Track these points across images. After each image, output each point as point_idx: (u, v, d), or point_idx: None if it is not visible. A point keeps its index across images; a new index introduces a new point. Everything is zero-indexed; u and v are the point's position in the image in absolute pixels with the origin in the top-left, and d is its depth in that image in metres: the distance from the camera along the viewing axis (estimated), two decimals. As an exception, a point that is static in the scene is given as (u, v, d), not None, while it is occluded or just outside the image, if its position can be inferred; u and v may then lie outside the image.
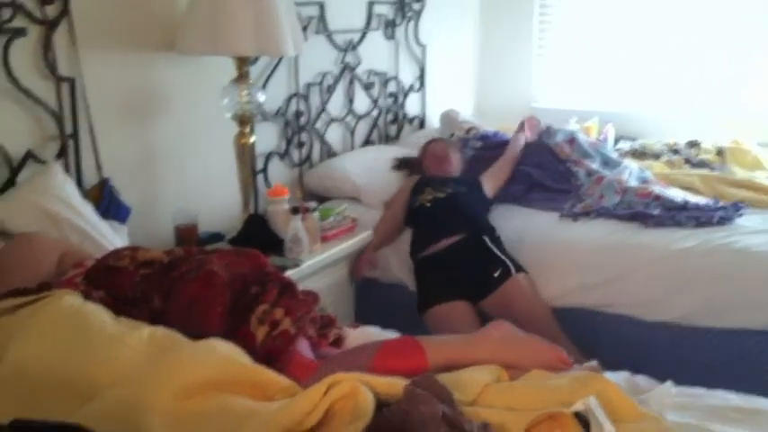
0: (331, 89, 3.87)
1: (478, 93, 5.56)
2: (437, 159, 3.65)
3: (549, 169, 3.73)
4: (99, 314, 1.73)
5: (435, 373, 1.67)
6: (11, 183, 2.39)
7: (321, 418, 1.42)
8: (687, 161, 4.21)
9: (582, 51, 5.25)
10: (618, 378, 1.88)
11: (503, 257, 3.20)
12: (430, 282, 3.22)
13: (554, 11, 5.34)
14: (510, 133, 4.08)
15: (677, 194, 3.49)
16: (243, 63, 2.93)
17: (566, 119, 4.48)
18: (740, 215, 3.32)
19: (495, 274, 3.14)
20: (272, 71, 3.41)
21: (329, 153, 3.92)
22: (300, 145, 3.68)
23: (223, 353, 1.60)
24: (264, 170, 3.45)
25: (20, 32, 2.36)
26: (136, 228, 2.71)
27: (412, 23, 4.56)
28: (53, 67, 2.49)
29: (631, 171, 3.72)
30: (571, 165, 3.72)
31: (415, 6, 4.55)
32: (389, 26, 4.33)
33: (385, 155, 4.01)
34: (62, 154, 2.55)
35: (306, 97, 3.69)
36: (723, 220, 3.25)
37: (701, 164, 4.15)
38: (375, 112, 4.30)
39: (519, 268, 3.19)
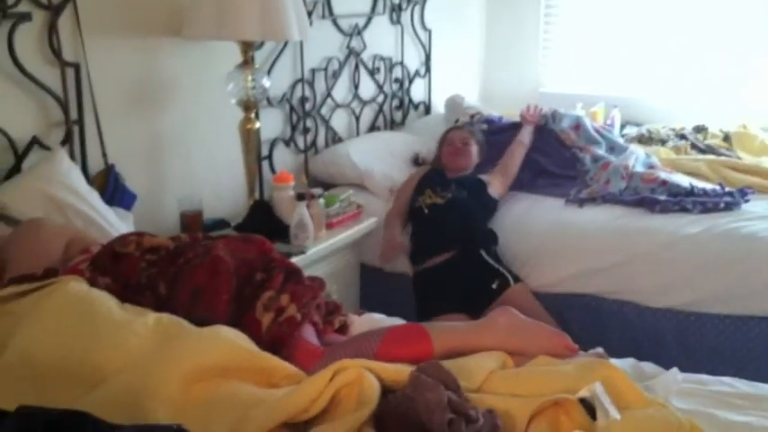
0: (336, 74, 3.86)
1: (484, 78, 5.54)
2: (453, 150, 3.55)
3: (554, 156, 3.72)
4: (105, 301, 1.73)
5: (441, 359, 1.67)
6: (16, 169, 2.39)
7: (326, 405, 1.42)
8: (694, 146, 4.20)
9: (588, 36, 5.23)
10: (624, 365, 1.87)
11: (500, 269, 3.19)
12: (428, 295, 3.21)
13: (560, -5, 5.32)
14: (515, 118, 4.07)
15: (683, 180, 3.48)
16: (248, 48, 2.93)
17: (572, 104, 4.46)
18: (747, 201, 3.30)
19: (494, 285, 3.12)
20: (278, 56, 3.41)
21: (334, 139, 3.91)
22: (306, 131, 3.67)
23: (228, 339, 1.60)
24: (269, 156, 3.45)
25: (25, 17, 2.36)
26: (141, 214, 2.71)
27: (417, 8, 4.54)
28: (58, 52, 2.48)
29: (637, 156, 3.71)
30: (577, 151, 3.71)
31: (421, -9, 4.53)
32: (395, 10, 4.32)
33: (390, 141, 4.00)
34: (67, 140, 2.55)
35: (311, 83, 3.68)
36: (729, 206, 3.24)
37: (708, 149, 4.14)
38: (380, 98, 4.29)
39: (516, 278, 3.19)
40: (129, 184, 2.68)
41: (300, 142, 3.66)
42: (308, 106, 3.66)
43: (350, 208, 3.28)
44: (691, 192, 3.35)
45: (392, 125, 4.43)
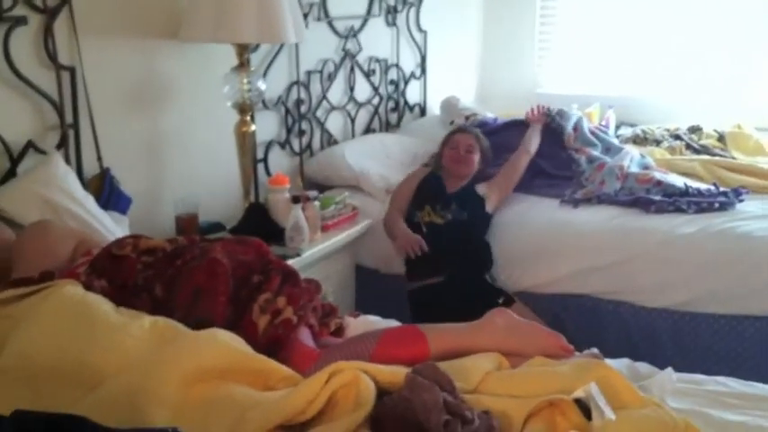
0: (332, 77, 3.86)
1: (480, 80, 5.55)
2: (456, 157, 3.44)
3: (550, 157, 3.73)
4: (101, 304, 1.73)
5: (437, 360, 1.67)
6: (11, 173, 2.38)
7: (323, 407, 1.43)
8: (688, 147, 4.21)
9: (584, 37, 5.25)
10: (619, 365, 1.88)
11: (501, 288, 3.19)
12: (425, 313, 3.13)
13: (556, -4, 5.33)
14: (510, 118, 4.08)
15: (678, 180, 3.49)
16: (243, 50, 2.93)
17: (568, 105, 4.46)
18: (741, 200, 3.32)
19: (500, 301, 3.08)
20: (273, 59, 3.41)
21: (330, 141, 3.91)
22: (301, 133, 3.67)
23: (225, 342, 1.60)
24: (265, 159, 3.45)
25: (20, 21, 2.35)
26: (137, 218, 2.71)
27: (413, 10, 4.54)
28: (53, 56, 2.48)
29: (632, 157, 3.72)
30: (573, 152, 3.73)
31: (416, -7, 4.54)
32: (390, 12, 4.32)
33: (386, 142, 4.01)
34: (62, 144, 2.55)
35: (306, 85, 3.68)
36: (724, 206, 3.25)
37: (703, 149, 4.15)
38: (376, 100, 4.30)
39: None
40: (124, 187, 2.68)
41: (296, 145, 3.66)
42: (303, 109, 3.66)
43: (345, 210, 3.29)
44: (685, 192, 3.36)
45: (387, 127, 4.44)
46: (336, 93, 3.94)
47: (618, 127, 4.70)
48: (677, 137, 4.32)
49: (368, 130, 4.26)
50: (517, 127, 3.94)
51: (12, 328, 1.64)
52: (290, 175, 3.28)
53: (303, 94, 3.65)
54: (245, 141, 3.04)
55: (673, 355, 3.00)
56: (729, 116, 4.45)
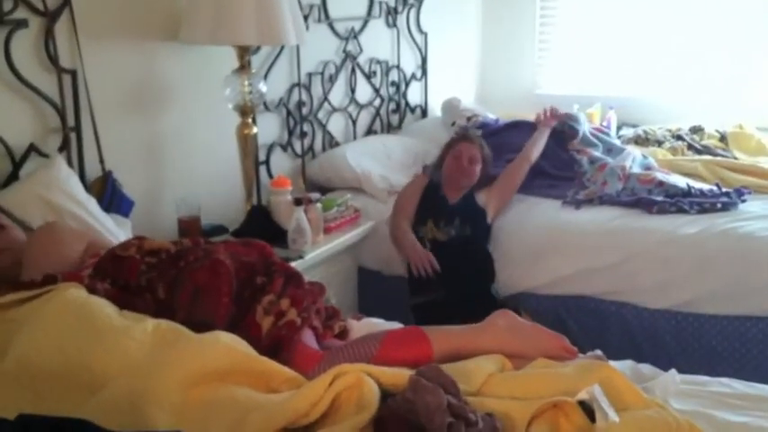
0: (333, 78, 3.86)
1: (481, 81, 5.55)
2: (459, 168, 3.35)
3: (551, 157, 3.72)
4: (103, 307, 1.73)
5: (440, 362, 1.67)
6: (14, 176, 2.39)
7: (326, 410, 1.43)
8: (690, 147, 4.21)
9: (584, 37, 5.24)
10: (622, 367, 1.88)
11: (505, 301, 3.17)
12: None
13: (556, -4, 5.33)
14: (511, 119, 4.08)
15: (680, 181, 3.49)
16: (244, 52, 2.93)
17: (568, 105, 4.47)
18: (743, 200, 3.32)
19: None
20: (274, 61, 3.41)
21: (331, 143, 3.91)
22: (303, 135, 3.67)
23: (228, 344, 1.60)
24: (267, 161, 3.45)
25: (21, 24, 2.36)
26: (139, 221, 2.71)
27: (413, 11, 4.54)
28: (55, 59, 2.48)
29: (634, 158, 3.72)
30: (574, 153, 3.72)
31: (417, -6, 4.54)
32: (391, 14, 4.32)
33: (387, 143, 4.01)
34: (64, 147, 2.55)
35: (308, 87, 3.68)
36: (726, 206, 3.25)
37: (705, 149, 4.15)
38: (377, 102, 4.30)
39: None
40: (126, 190, 2.68)
41: (297, 147, 3.66)
42: (304, 110, 3.66)
43: (347, 212, 3.29)
44: (688, 192, 3.36)
45: (389, 129, 4.44)
46: (337, 94, 3.94)
47: (619, 128, 4.70)
48: (679, 137, 4.32)
49: (369, 131, 4.26)
50: (519, 128, 3.95)
51: (15, 331, 1.65)
52: (292, 178, 3.28)
53: (304, 96, 3.65)
54: (247, 143, 3.04)
55: (676, 356, 3.00)
56: (731, 116, 4.45)
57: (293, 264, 2.65)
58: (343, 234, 3.18)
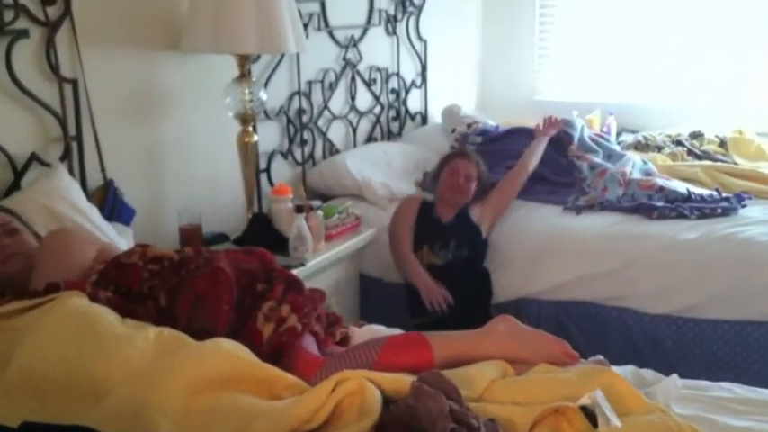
0: (333, 86, 3.87)
1: (480, 88, 5.56)
2: (455, 186, 3.33)
3: (551, 163, 3.72)
4: (106, 315, 1.73)
5: (441, 367, 1.68)
6: (16, 186, 2.39)
7: (329, 416, 1.43)
8: (690, 153, 4.21)
9: (583, 44, 5.25)
10: (624, 372, 1.88)
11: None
12: None
13: (555, 3, 5.34)
14: (511, 126, 4.08)
15: (680, 186, 3.49)
16: (245, 61, 2.94)
17: (568, 112, 4.48)
18: (744, 206, 3.33)
19: None
20: (274, 69, 3.42)
21: (332, 151, 3.92)
22: (303, 143, 3.68)
23: (230, 351, 1.60)
24: (267, 169, 3.45)
25: (22, 34, 2.37)
26: (140, 229, 2.71)
27: (413, 18, 4.56)
28: (56, 68, 2.49)
29: (634, 163, 3.72)
30: (574, 159, 3.73)
31: (416, 1, 4.55)
32: (390, 21, 4.33)
33: (388, 151, 4.01)
34: (66, 156, 2.56)
35: (308, 95, 3.69)
36: (727, 211, 3.26)
37: (705, 155, 4.15)
38: (377, 109, 4.31)
39: None
40: (127, 199, 2.69)
41: (298, 154, 3.67)
42: (305, 118, 3.67)
43: (348, 219, 3.29)
44: (688, 198, 3.37)
45: (389, 136, 4.44)
46: (338, 102, 3.95)
47: (619, 133, 4.70)
48: (679, 143, 4.33)
49: (370, 139, 4.27)
50: (519, 134, 3.95)
51: (17, 340, 1.65)
52: (293, 185, 3.28)
53: (305, 104, 3.66)
54: (248, 152, 3.04)
55: (677, 361, 3.00)
56: (730, 121, 4.46)
57: (294, 271, 2.66)
58: (344, 241, 3.19)
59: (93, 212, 2.45)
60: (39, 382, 1.57)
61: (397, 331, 2.17)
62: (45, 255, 2.03)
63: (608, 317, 3.17)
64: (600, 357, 1.89)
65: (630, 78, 5.11)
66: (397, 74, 4.46)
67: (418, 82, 4.70)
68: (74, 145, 2.59)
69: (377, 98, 4.28)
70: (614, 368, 1.79)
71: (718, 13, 4.77)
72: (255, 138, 3.05)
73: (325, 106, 3.83)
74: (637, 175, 3.60)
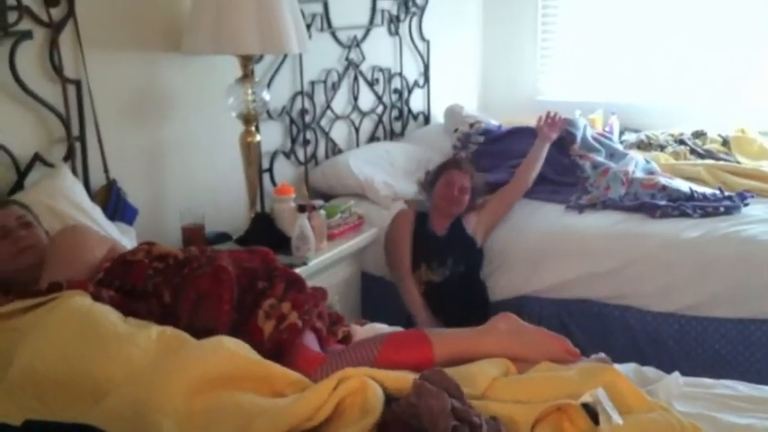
0: (335, 86, 3.87)
1: (483, 87, 5.56)
2: (450, 197, 3.29)
3: (553, 163, 3.72)
4: (108, 314, 1.74)
5: (442, 365, 1.68)
6: (19, 186, 2.40)
7: (331, 414, 1.43)
8: (693, 151, 4.21)
9: (585, 43, 5.25)
10: (626, 370, 1.88)
11: None
12: None
13: (557, 3, 5.33)
14: (513, 125, 4.08)
15: (683, 185, 3.49)
16: (247, 62, 2.94)
17: (570, 111, 4.47)
18: (746, 204, 3.32)
19: None
20: (277, 69, 3.42)
21: (334, 151, 3.92)
22: (306, 143, 3.68)
23: (231, 349, 1.61)
24: (270, 169, 3.46)
25: (26, 35, 2.37)
26: (143, 229, 2.72)
27: (415, 19, 4.56)
28: (59, 69, 2.50)
29: (637, 162, 3.72)
30: (576, 158, 3.72)
31: (419, 2, 4.55)
32: (393, 22, 4.34)
33: (390, 150, 4.01)
34: (69, 156, 2.56)
35: (310, 95, 3.69)
36: (730, 210, 3.25)
37: (707, 154, 4.15)
38: (380, 109, 4.31)
39: None
40: (130, 198, 2.69)
41: (301, 154, 3.67)
42: (307, 118, 3.68)
43: (351, 219, 3.29)
44: (691, 196, 3.36)
45: (392, 136, 4.44)
46: (340, 102, 3.96)
47: (622, 133, 4.70)
48: (681, 142, 4.33)
49: (372, 138, 4.27)
50: (521, 134, 3.95)
51: (19, 340, 1.65)
52: (296, 185, 3.29)
53: (307, 104, 3.67)
54: (251, 151, 3.05)
55: (679, 359, 3.00)
56: (733, 120, 4.46)
57: (297, 270, 2.67)
58: (346, 241, 3.19)
59: (97, 212, 2.46)
60: (40, 381, 1.58)
61: (398, 330, 2.17)
62: (57, 250, 2.05)
63: (610, 315, 3.16)
64: (602, 355, 1.90)
65: (633, 78, 5.10)
66: (400, 74, 4.46)
67: (421, 82, 4.71)
68: (77, 145, 2.59)
69: (379, 98, 4.28)
70: (616, 366, 1.80)
71: (720, 12, 4.77)
72: (258, 138, 3.06)
73: (328, 106, 3.84)
74: (640, 174, 3.60)
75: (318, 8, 3.68)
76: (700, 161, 4.01)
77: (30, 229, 2.10)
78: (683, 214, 3.24)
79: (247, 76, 2.95)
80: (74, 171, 2.56)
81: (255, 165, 3.10)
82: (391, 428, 1.42)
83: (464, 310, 3.21)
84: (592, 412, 1.50)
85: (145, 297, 1.90)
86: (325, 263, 3.00)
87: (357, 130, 4.11)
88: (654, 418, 1.51)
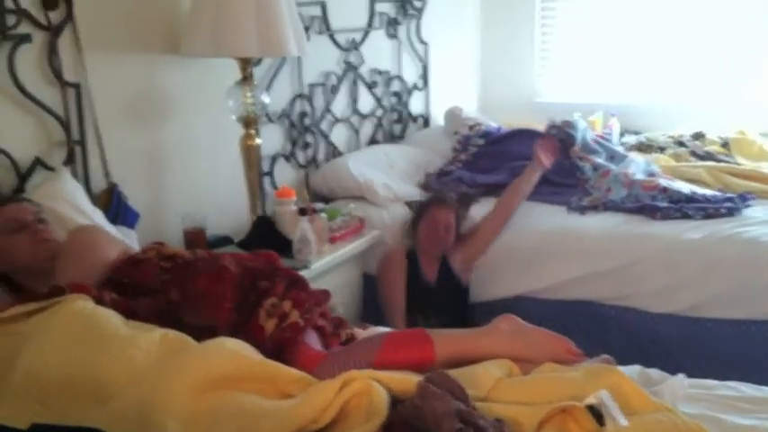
0: (335, 89, 3.87)
1: (482, 89, 5.56)
2: (435, 237, 3.27)
3: (553, 164, 3.71)
4: (110, 318, 1.74)
5: (443, 365, 1.68)
6: (20, 190, 2.39)
7: (336, 416, 1.43)
8: (693, 153, 4.21)
9: (585, 45, 5.24)
10: (630, 372, 1.88)
11: None
12: None
13: (556, 5, 5.33)
14: (513, 127, 4.09)
15: (684, 187, 3.49)
16: (247, 64, 2.94)
17: (569, 113, 4.47)
18: (747, 206, 3.32)
19: None
20: (276, 72, 3.42)
21: (334, 153, 3.92)
22: (306, 146, 3.68)
23: (233, 350, 1.62)
24: (270, 172, 3.45)
25: (25, 39, 2.37)
26: (144, 233, 2.71)
27: (414, 21, 4.56)
28: (58, 72, 2.49)
29: (637, 164, 3.72)
30: (577, 160, 3.72)
31: (417, 4, 4.55)
32: (392, 25, 4.34)
33: (390, 153, 4.01)
34: (70, 160, 2.56)
35: (310, 98, 3.69)
36: (731, 211, 3.25)
37: (708, 156, 4.15)
38: (379, 112, 4.31)
39: None
40: (131, 202, 2.69)
41: (301, 157, 3.67)
42: (307, 121, 3.67)
43: (352, 221, 3.29)
44: (692, 198, 3.36)
45: (392, 138, 4.44)
46: (340, 105, 3.95)
47: (622, 134, 4.69)
48: (681, 144, 4.32)
49: (372, 141, 4.27)
50: (521, 136, 3.96)
51: (22, 344, 1.65)
52: (296, 188, 3.29)
53: (307, 107, 3.66)
54: (251, 155, 3.04)
55: (682, 360, 2.98)
56: (733, 121, 4.45)
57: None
58: (347, 244, 3.18)
59: (98, 215, 2.46)
60: (44, 385, 1.58)
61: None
62: (71, 248, 2.07)
63: (612, 317, 3.16)
64: (606, 357, 1.89)
65: (632, 79, 5.10)
66: (399, 77, 4.46)
67: (420, 84, 4.71)
68: (77, 149, 2.59)
69: (379, 101, 4.28)
70: (620, 368, 1.79)
71: (719, 14, 4.77)
72: (258, 141, 3.05)
73: (328, 109, 3.83)
74: (640, 176, 3.59)
75: (317, 11, 3.68)
76: (700, 163, 4.01)
77: (46, 224, 2.13)
78: (685, 216, 3.24)
79: (247, 78, 2.95)
80: (74, 175, 2.55)
81: (256, 168, 3.10)
82: (396, 430, 1.41)
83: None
84: (597, 414, 1.50)
85: (151, 293, 1.91)
86: (326, 266, 2.99)
87: (357, 132, 4.11)
88: (659, 419, 1.51)
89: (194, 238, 2.84)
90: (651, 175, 3.67)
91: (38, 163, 2.44)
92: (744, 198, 3.36)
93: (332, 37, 3.84)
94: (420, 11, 4.58)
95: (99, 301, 1.81)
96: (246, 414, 1.45)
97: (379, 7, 4.21)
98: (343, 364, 1.71)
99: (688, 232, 3.13)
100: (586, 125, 4.04)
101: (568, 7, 5.29)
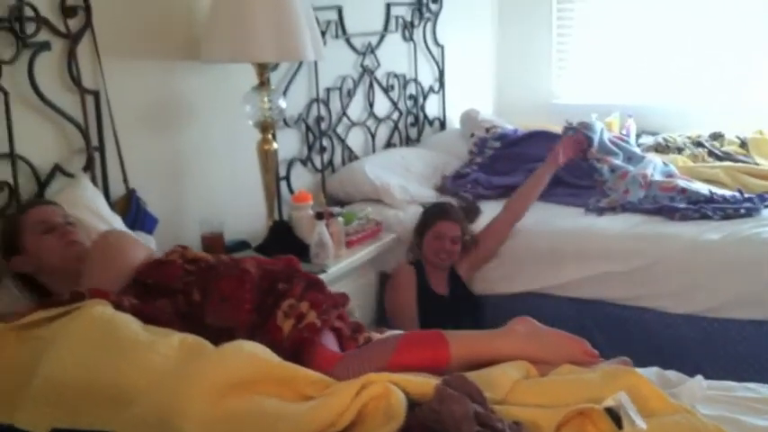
0: (351, 93, 3.88)
1: (498, 92, 5.55)
2: (440, 252, 3.23)
3: (570, 166, 3.70)
4: (129, 323, 1.75)
5: (458, 366, 1.68)
6: (40, 196, 2.41)
7: (354, 419, 1.43)
8: (711, 154, 4.19)
9: (601, 46, 5.23)
10: (648, 373, 1.87)
11: None
12: None
13: (572, 6, 5.33)
14: (530, 129, 4.08)
15: (702, 187, 3.47)
16: (263, 69, 2.95)
17: (586, 114, 4.46)
18: (767, 206, 3.30)
19: None
20: (293, 77, 3.43)
21: (351, 157, 3.92)
22: (322, 150, 3.69)
23: (251, 353, 1.62)
24: (287, 177, 3.46)
25: (44, 46, 2.39)
26: (163, 238, 2.72)
27: (430, 24, 4.56)
28: (77, 79, 2.51)
29: (655, 165, 3.70)
30: (594, 161, 3.71)
31: (433, 7, 4.56)
32: (407, 28, 4.34)
33: (406, 156, 4.02)
34: (89, 166, 2.58)
35: (326, 102, 3.70)
36: (750, 212, 3.23)
37: (726, 156, 4.12)
38: (395, 115, 4.31)
39: None
40: (149, 208, 2.71)
41: (317, 161, 3.68)
42: (323, 125, 3.68)
43: (369, 225, 3.29)
44: (710, 199, 3.35)
45: (408, 142, 4.44)
46: (356, 109, 3.96)
47: (639, 135, 4.68)
48: (699, 144, 4.30)
49: (388, 145, 4.27)
50: (538, 138, 3.95)
51: (43, 349, 1.67)
52: (313, 192, 3.29)
53: (323, 111, 3.67)
54: (268, 159, 3.06)
55: (701, 361, 2.97)
56: (751, 121, 4.42)
57: (316, 277, 2.68)
58: (364, 247, 3.18)
59: (117, 221, 2.48)
60: (63, 390, 1.59)
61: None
62: (99, 252, 2.10)
63: (630, 317, 3.15)
64: (624, 358, 1.89)
65: (649, 80, 5.08)
66: (415, 80, 4.46)
67: (436, 87, 4.71)
68: (96, 155, 2.61)
69: (395, 104, 4.28)
70: (638, 369, 1.79)
71: (735, 14, 4.74)
72: (275, 145, 3.07)
73: (344, 113, 3.84)
74: (658, 177, 3.58)
75: (333, 15, 3.69)
76: (718, 163, 3.99)
77: (74, 227, 2.18)
78: (704, 216, 3.22)
79: (264, 83, 2.96)
80: (93, 181, 2.57)
81: (273, 172, 3.11)
82: (413, 434, 1.42)
83: None
84: (615, 416, 1.50)
85: (174, 294, 1.95)
86: (343, 270, 3.00)
87: (373, 136, 4.11)
88: (677, 421, 1.51)
89: (212, 243, 2.85)
90: (669, 176, 3.65)
91: (57, 169, 2.46)
92: (763, 198, 3.34)
93: (348, 41, 3.85)
94: (436, 14, 4.58)
95: (118, 306, 1.83)
96: (265, 417, 1.45)
97: (395, 11, 4.21)
98: (359, 365, 1.72)
99: (707, 233, 3.11)
100: (603, 126, 4.03)
101: (585, 8, 5.28)
